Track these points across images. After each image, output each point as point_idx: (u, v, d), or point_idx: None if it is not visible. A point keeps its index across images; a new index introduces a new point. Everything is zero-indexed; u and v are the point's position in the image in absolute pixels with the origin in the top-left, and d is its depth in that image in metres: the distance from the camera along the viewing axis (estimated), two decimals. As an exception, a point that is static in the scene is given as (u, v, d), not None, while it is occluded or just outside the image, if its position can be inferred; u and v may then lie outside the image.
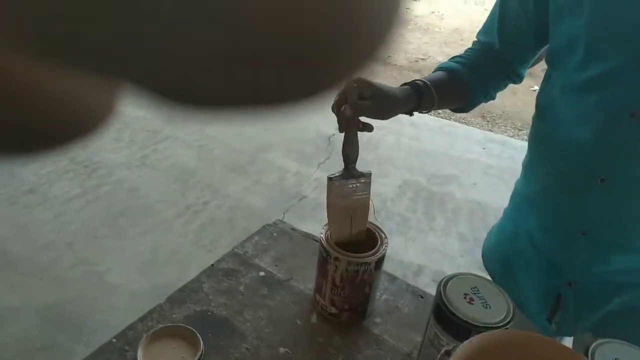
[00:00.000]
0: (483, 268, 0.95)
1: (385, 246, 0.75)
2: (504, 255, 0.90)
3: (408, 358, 0.73)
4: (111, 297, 1.79)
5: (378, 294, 0.84)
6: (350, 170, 0.74)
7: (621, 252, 0.74)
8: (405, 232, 2.42)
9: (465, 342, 0.51)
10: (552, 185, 0.78)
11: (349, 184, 0.74)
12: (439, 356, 0.51)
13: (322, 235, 0.76)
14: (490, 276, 0.92)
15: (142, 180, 2.61)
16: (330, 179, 0.74)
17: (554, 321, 0.83)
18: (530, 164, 0.83)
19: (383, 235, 0.77)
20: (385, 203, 2.62)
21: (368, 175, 0.76)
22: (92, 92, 0.16)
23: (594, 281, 0.77)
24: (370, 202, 0.77)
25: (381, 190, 2.71)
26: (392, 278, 0.89)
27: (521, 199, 0.87)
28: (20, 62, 0.13)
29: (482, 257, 0.97)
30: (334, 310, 0.77)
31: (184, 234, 2.21)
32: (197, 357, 0.68)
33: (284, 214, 2.41)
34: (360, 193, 0.75)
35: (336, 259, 0.72)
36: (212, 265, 0.87)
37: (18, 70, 0.14)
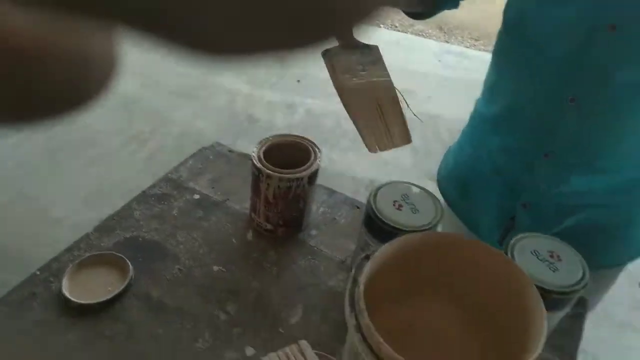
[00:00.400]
0: (434, 179, 0.95)
1: (319, 161, 0.74)
2: (462, 177, 0.88)
3: (342, 265, 0.74)
4: (56, 231, 1.75)
5: (315, 207, 0.84)
6: (347, 41, 0.52)
7: (582, 173, 0.72)
8: (359, 148, 2.42)
9: (385, 245, 0.51)
10: (519, 106, 0.74)
11: (354, 56, 0.52)
12: (358, 261, 0.51)
13: (254, 154, 0.73)
14: (446, 200, 0.90)
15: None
16: (325, 52, 0.51)
17: (505, 242, 0.84)
18: (495, 83, 0.79)
19: (317, 150, 0.75)
20: (339, 121, 2.59)
21: (375, 49, 0.54)
22: (97, 51, 0.15)
23: (551, 202, 0.76)
24: (396, 89, 0.55)
25: (335, 109, 2.68)
26: (331, 191, 0.89)
27: (483, 120, 0.83)
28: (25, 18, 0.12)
29: (438, 181, 0.94)
30: (269, 226, 0.77)
31: (131, 163, 2.14)
32: (125, 282, 0.67)
33: (235, 137, 2.36)
34: (377, 72, 0.54)
35: (268, 176, 0.70)
36: (144, 191, 0.84)
37: (25, 27, 0.13)
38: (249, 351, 0.63)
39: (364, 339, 0.45)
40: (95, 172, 2.08)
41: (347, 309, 0.48)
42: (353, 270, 0.50)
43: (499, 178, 0.80)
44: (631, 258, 0.80)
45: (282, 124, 2.49)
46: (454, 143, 0.93)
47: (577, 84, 0.66)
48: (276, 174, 0.70)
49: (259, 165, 0.71)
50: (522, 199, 0.78)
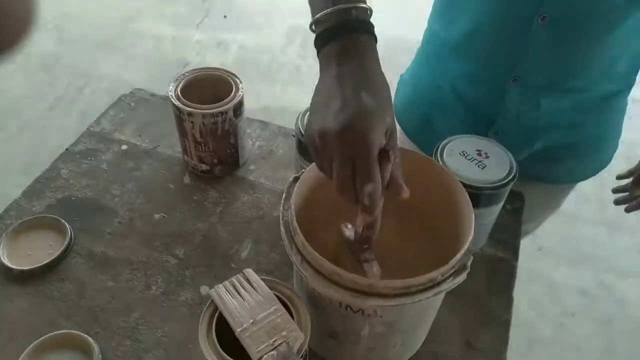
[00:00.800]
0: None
1: (241, 92, 0.72)
2: (423, 109, 0.82)
3: (284, 195, 0.75)
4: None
5: (250, 141, 0.83)
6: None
7: (552, 94, 0.69)
8: (299, 80, 2.39)
9: (311, 165, 0.52)
10: (484, 29, 0.68)
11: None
12: (288, 184, 0.52)
13: (171, 93, 0.71)
14: (406, 133, 0.85)
15: (-2, 78, 2.30)
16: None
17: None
18: (453, 3, 0.72)
19: (238, 81, 0.73)
20: (274, 55, 2.52)
21: None
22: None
23: (521, 126, 0.73)
24: None
25: (268, 42, 2.59)
26: (264, 124, 0.88)
27: (442, 45, 0.75)
28: None
29: (395, 112, 0.85)
30: (204, 167, 0.76)
31: (64, 127, 2.04)
32: (66, 243, 0.66)
33: (169, 84, 2.27)
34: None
35: (190, 114, 0.69)
36: (67, 149, 0.80)
37: None
38: (204, 290, 0.64)
39: (303, 258, 0.47)
40: (27, 141, 1.97)
41: (283, 233, 0.49)
42: (284, 194, 0.51)
43: (464, 107, 0.76)
44: (596, 171, 0.81)
45: (216, 64, 2.39)
46: (407, 70, 0.88)
47: (548, 0, 0.61)
48: (197, 110, 0.68)
49: (177, 104, 0.69)
50: (492, 127, 0.75)
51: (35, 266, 0.63)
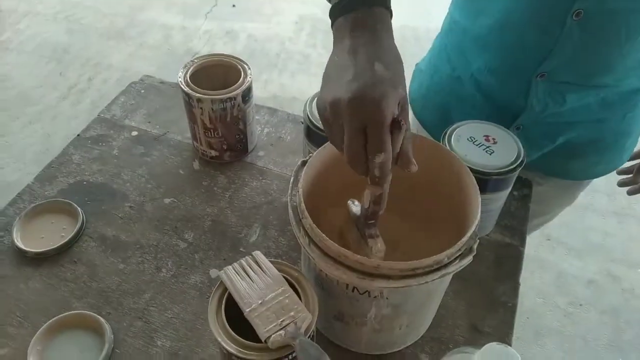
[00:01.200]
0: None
1: (250, 77, 0.72)
2: (440, 101, 0.80)
3: (292, 181, 0.76)
4: (12, 195, 1.70)
5: (259, 128, 0.84)
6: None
7: (578, 90, 0.67)
8: (307, 69, 2.38)
9: (319, 149, 0.52)
10: (512, 22, 0.65)
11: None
12: (295, 168, 0.52)
13: (180, 79, 0.71)
14: (423, 125, 0.84)
15: (10, 67, 2.32)
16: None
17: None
18: None
19: (246, 67, 0.74)
20: (283, 44, 2.52)
21: None
22: None
23: (544, 122, 0.72)
24: None
25: (277, 31, 2.59)
26: (273, 111, 0.88)
27: (466, 36, 0.73)
28: None
29: (411, 103, 0.84)
30: (213, 153, 0.76)
31: (74, 116, 2.06)
32: (78, 226, 0.67)
33: (179, 70, 2.28)
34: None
35: (199, 100, 0.69)
36: (79, 135, 0.81)
37: None
38: (214, 273, 0.65)
39: (311, 240, 0.47)
40: (39, 130, 1.99)
41: (291, 216, 0.49)
42: (292, 178, 0.51)
43: (486, 100, 0.74)
44: (616, 167, 0.80)
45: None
46: (423, 59, 0.85)
47: None
48: (207, 96, 0.69)
49: (187, 90, 0.69)
50: (515, 123, 0.73)
51: (49, 249, 0.65)
